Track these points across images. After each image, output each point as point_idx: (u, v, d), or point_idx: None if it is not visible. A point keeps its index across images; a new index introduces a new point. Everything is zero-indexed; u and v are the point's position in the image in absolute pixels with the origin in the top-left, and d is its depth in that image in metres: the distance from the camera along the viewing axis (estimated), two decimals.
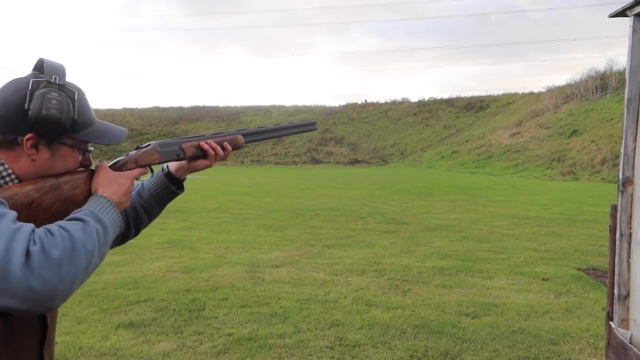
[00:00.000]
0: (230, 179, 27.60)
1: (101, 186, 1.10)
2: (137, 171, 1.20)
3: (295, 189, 19.67)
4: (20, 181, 1.04)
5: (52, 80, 1.04)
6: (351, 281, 5.66)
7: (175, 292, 5.13)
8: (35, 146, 1.03)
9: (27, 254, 0.84)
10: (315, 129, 1.49)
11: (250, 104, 72.92)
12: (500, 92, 64.35)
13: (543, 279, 5.76)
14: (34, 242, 0.86)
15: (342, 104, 71.78)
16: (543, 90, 55.78)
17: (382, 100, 70.29)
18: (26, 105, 1.01)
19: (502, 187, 21.20)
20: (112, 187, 1.11)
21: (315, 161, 54.47)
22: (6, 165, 1.03)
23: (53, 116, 1.01)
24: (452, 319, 4.42)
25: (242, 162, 54.97)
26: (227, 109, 71.12)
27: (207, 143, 1.30)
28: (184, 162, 1.32)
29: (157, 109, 72.41)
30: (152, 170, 1.29)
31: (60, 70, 1.06)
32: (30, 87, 1.02)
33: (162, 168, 1.37)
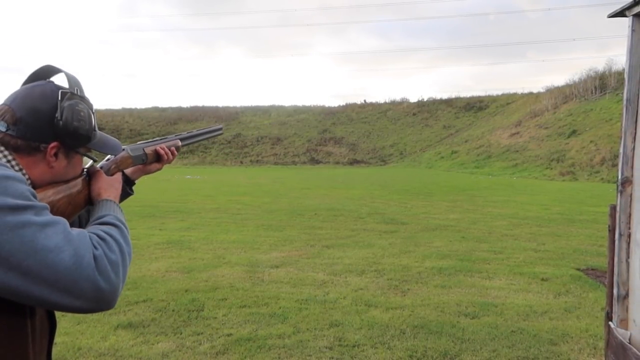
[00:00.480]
0: (229, 179, 27.60)
1: (104, 190, 1.17)
2: (119, 175, 1.29)
3: (294, 189, 19.67)
4: (34, 187, 1.04)
5: (75, 92, 1.08)
6: (350, 281, 5.66)
7: (174, 293, 5.13)
8: (56, 154, 1.07)
9: (94, 258, 0.91)
10: (221, 134, 1.67)
11: (250, 104, 72.89)
12: (499, 92, 64.42)
13: (542, 279, 5.77)
14: (96, 247, 0.93)
15: (341, 104, 71.84)
16: (542, 90, 55.85)
17: (381, 101, 70.33)
18: (58, 116, 1.04)
19: (501, 187, 21.21)
20: (113, 191, 1.19)
21: (314, 161, 54.46)
22: (24, 171, 1.04)
23: (83, 128, 1.07)
24: (451, 319, 4.42)
25: (242, 162, 54.97)
26: (226, 109, 71.12)
27: (162, 147, 1.41)
28: (141, 166, 1.41)
29: (156, 109, 72.40)
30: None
31: (79, 83, 1.12)
32: (60, 98, 1.05)
33: None
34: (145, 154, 1.37)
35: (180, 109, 72.65)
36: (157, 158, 1.41)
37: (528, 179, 29.31)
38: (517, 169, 34.46)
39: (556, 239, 8.35)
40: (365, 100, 71.46)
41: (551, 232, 9.09)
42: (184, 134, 1.53)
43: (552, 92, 50.81)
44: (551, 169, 31.70)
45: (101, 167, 1.26)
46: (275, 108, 71.04)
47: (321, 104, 72.68)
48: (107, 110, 65.11)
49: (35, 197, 0.95)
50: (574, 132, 36.80)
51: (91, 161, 1.23)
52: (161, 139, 1.43)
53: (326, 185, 21.96)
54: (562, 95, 47.11)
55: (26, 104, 1.03)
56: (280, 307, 4.69)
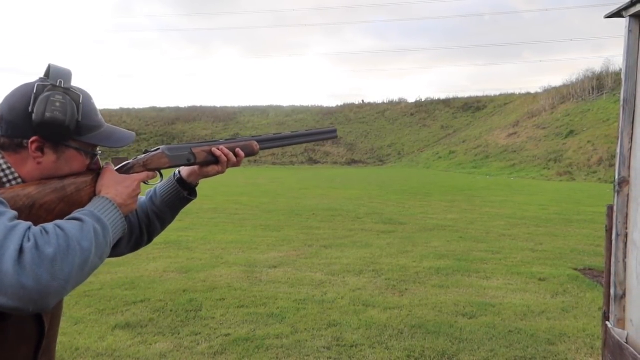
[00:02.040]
0: (227, 179, 27.57)
1: (105, 187, 1.10)
2: (144, 174, 1.19)
3: (292, 189, 19.67)
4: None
5: (58, 84, 1.04)
6: (348, 281, 5.67)
7: (172, 293, 5.13)
8: (40, 149, 1.04)
9: (21, 250, 0.84)
10: (335, 137, 1.44)
11: (248, 104, 72.88)
12: (495, 93, 64.60)
13: (540, 279, 5.78)
14: (28, 239, 0.86)
15: (339, 104, 71.84)
16: (540, 90, 55.94)
17: (378, 101, 70.38)
18: (30, 108, 1.01)
19: (499, 188, 21.24)
20: (117, 188, 1.10)
21: (312, 161, 54.47)
22: (13, 169, 1.03)
23: (57, 119, 1.02)
24: (449, 319, 4.43)
25: None
26: (224, 109, 71.08)
27: (219, 149, 1.28)
28: (195, 168, 1.30)
29: (154, 109, 72.31)
30: (161, 175, 1.28)
31: (65, 74, 1.07)
32: (35, 91, 1.03)
33: (174, 173, 1.35)
34: (193, 154, 1.24)
35: (178, 109, 72.58)
36: (215, 159, 1.28)
37: (526, 179, 29.36)
38: (514, 169, 34.51)
39: (554, 239, 8.36)
40: (363, 101, 71.50)
41: (549, 232, 9.11)
42: (267, 136, 1.36)
43: (549, 92, 50.91)
44: (549, 169, 31.75)
45: (125, 165, 1.19)
46: (274, 108, 71.02)
47: (319, 104, 72.67)
48: (104, 110, 64.96)
49: None
50: (571, 132, 36.88)
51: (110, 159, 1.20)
52: (225, 140, 1.31)
53: (324, 186, 21.96)
54: (560, 95, 47.20)
55: (7, 102, 1.04)
56: (278, 307, 4.69)
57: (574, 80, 47.89)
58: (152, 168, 1.22)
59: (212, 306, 4.72)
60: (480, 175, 33.04)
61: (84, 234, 0.93)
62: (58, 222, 0.94)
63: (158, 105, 73.74)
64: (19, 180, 1.04)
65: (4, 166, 1.03)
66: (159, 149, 1.22)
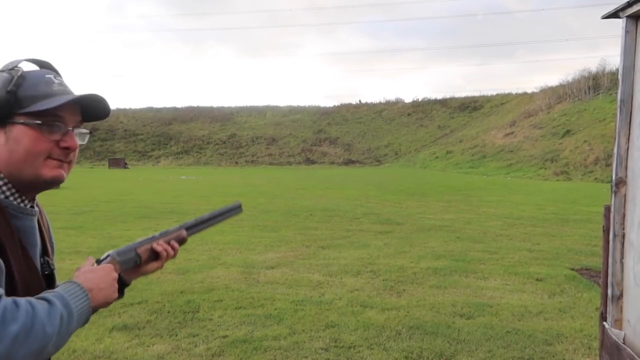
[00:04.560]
0: (224, 180, 27.56)
1: (76, 274, 1.03)
2: (116, 265, 1.10)
3: (289, 190, 19.67)
4: (7, 172, 0.99)
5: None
6: (346, 282, 5.66)
7: (169, 294, 5.11)
8: None
9: None
10: (241, 211, 1.42)
11: (245, 105, 72.86)
12: (491, 92, 64.81)
13: (537, 279, 5.79)
14: None
15: (336, 104, 71.86)
16: (536, 90, 56.08)
17: (374, 101, 70.47)
18: None
19: (495, 187, 21.28)
20: (87, 275, 1.02)
21: (309, 161, 54.47)
22: None
23: None
24: (446, 319, 4.43)
25: (237, 162, 54.91)
26: (221, 109, 71.03)
27: (159, 244, 1.21)
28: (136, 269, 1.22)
29: (150, 109, 72.20)
30: None
31: (14, 60, 1.02)
32: None
33: None
34: (138, 255, 1.18)
35: (175, 109, 72.50)
36: (155, 256, 1.22)
37: (522, 178, 29.43)
38: (511, 168, 34.59)
39: (550, 239, 8.38)
40: (360, 101, 71.54)
41: (545, 232, 9.13)
42: (191, 222, 1.32)
43: (545, 92, 51.05)
44: (545, 168, 31.84)
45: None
46: (271, 108, 71.01)
47: (315, 104, 72.68)
48: None
49: None
50: (567, 132, 36.99)
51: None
52: (160, 234, 1.24)
53: (321, 186, 21.97)
54: (556, 95, 47.34)
55: None
56: (275, 309, 4.68)
57: (570, 80, 48.06)
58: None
59: (209, 307, 4.71)
60: (477, 175, 33.11)
61: (50, 319, 0.87)
62: (32, 299, 0.89)
63: (155, 106, 73.63)
64: None
65: None
66: (108, 255, 1.14)
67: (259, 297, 5.06)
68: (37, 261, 1.05)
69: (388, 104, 69.54)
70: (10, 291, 0.93)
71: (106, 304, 1.03)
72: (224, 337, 3.98)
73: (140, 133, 63.24)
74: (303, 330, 4.13)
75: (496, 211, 12.29)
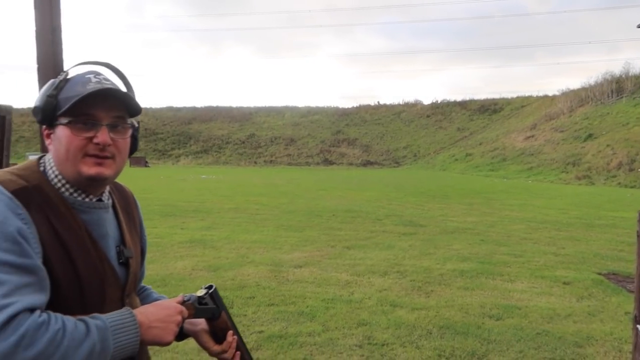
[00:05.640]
0: (244, 179, 27.79)
1: (143, 309, 1.03)
2: (183, 308, 1.09)
3: (310, 190, 19.79)
4: (60, 172, 1.06)
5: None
6: (374, 282, 5.76)
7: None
8: (48, 136, 1.07)
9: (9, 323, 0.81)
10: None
11: (263, 105, 73.23)
12: (509, 95, 64.23)
13: (564, 283, 5.82)
14: (14, 330, 0.82)
15: (354, 105, 71.84)
16: (557, 93, 55.42)
17: (392, 102, 70.32)
18: None
19: (517, 191, 21.14)
20: (148, 308, 1.03)
21: (327, 162, 54.56)
22: (52, 163, 1.06)
23: (34, 105, 1.06)
24: (476, 320, 4.50)
25: (255, 162, 55.24)
26: (240, 109, 71.54)
27: (233, 337, 1.21)
28: (204, 326, 1.21)
29: (170, 109, 73.04)
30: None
31: (78, 64, 1.10)
32: None
33: None
34: (220, 312, 1.19)
35: (194, 109, 73.21)
36: (222, 337, 1.20)
37: (543, 182, 29.15)
38: (532, 172, 34.26)
39: (576, 243, 8.36)
40: (378, 102, 71.42)
41: (570, 236, 9.11)
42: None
43: (567, 95, 50.43)
44: (567, 172, 31.48)
45: None
46: (289, 109, 71.28)
47: (333, 105, 72.78)
48: None
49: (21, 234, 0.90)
50: (590, 135, 36.51)
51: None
52: (243, 345, 1.25)
53: (341, 187, 22.06)
54: (578, 98, 46.76)
55: None
56: (307, 306, 4.80)
57: (593, 83, 47.44)
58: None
59: (243, 304, 4.84)
60: (497, 178, 32.88)
61: (78, 350, 0.87)
62: (70, 320, 0.90)
63: (175, 105, 74.44)
64: (60, 176, 1.05)
65: (51, 161, 1.07)
66: (188, 298, 1.13)
67: (289, 294, 5.18)
68: (111, 251, 1.10)
69: (407, 105, 69.34)
70: (75, 281, 1.00)
71: (157, 343, 1.02)
72: (259, 332, 4.10)
73: (160, 132, 64.03)
74: (336, 328, 4.24)
75: (519, 214, 12.26)
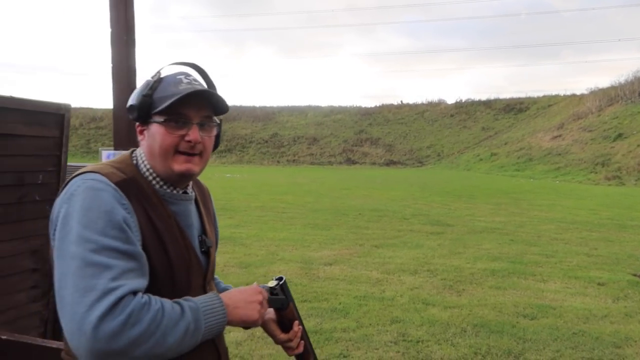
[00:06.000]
0: (268, 178, 27.97)
1: (226, 292, 1.11)
2: (264, 291, 1.17)
3: (334, 189, 19.82)
4: (152, 166, 1.12)
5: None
6: (404, 280, 5.77)
7: (236, 286, 5.34)
8: (141, 132, 1.13)
9: (102, 319, 0.85)
10: None
11: (286, 104, 73.51)
12: (536, 94, 63.13)
13: (598, 284, 5.73)
14: (122, 311, 0.87)
15: (377, 105, 71.58)
16: (585, 92, 54.31)
17: (415, 101, 69.78)
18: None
19: (544, 191, 20.82)
20: (233, 293, 1.10)
21: (350, 162, 54.51)
22: (144, 157, 1.13)
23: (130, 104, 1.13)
24: (510, 319, 4.48)
25: (278, 161, 55.53)
26: (263, 109, 71.90)
27: (299, 327, 1.28)
28: (272, 315, 1.29)
29: None
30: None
31: (167, 65, 1.16)
32: None
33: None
34: (288, 303, 1.27)
35: None
36: (288, 326, 1.28)
37: (572, 182, 28.62)
38: (559, 172, 33.68)
39: (609, 244, 8.22)
40: (401, 101, 71.04)
41: (602, 237, 8.95)
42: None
43: (596, 94, 49.35)
44: (596, 173, 30.85)
45: None
46: (312, 108, 71.38)
47: (356, 105, 72.64)
48: None
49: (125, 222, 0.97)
50: (619, 135, 35.69)
51: None
52: (307, 337, 1.32)
53: (365, 186, 22.03)
54: (607, 97, 45.70)
55: None
56: (340, 303, 4.84)
57: (623, 82, 46.33)
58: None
59: None
60: (523, 178, 32.42)
61: (175, 329, 0.93)
62: (167, 302, 0.95)
63: None
64: (152, 170, 1.12)
65: (143, 156, 1.14)
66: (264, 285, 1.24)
67: (321, 291, 5.23)
68: (195, 240, 1.17)
69: (430, 104, 68.72)
70: (168, 268, 1.07)
71: (244, 322, 1.08)
72: None
73: None
74: (370, 324, 4.28)
75: (548, 215, 12.08)
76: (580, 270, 6.39)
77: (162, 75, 1.13)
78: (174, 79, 1.12)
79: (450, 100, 68.48)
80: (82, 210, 0.95)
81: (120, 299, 0.88)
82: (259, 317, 1.11)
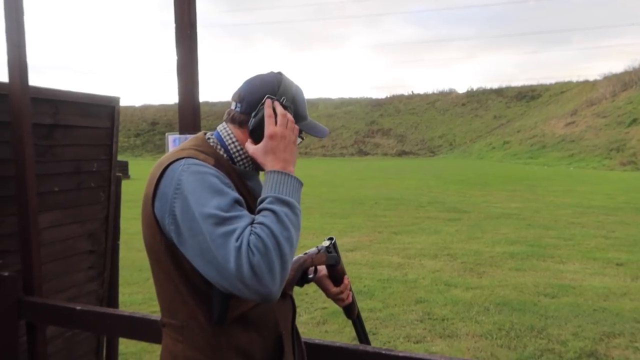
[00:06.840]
0: None
1: (268, 160, 1.16)
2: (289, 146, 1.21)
3: (349, 180, 19.97)
4: (243, 147, 1.26)
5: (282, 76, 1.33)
6: (425, 264, 5.92)
7: None
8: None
9: (251, 266, 0.94)
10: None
11: None
12: (548, 81, 62.43)
13: (617, 264, 5.84)
14: (253, 253, 0.95)
15: (388, 96, 71.40)
16: (599, 78, 53.70)
17: (425, 91, 69.45)
18: (268, 95, 1.27)
19: (559, 177, 20.78)
20: (274, 158, 1.15)
21: (362, 153, 54.58)
22: (240, 146, 1.25)
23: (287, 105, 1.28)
24: (531, 298, 4.62)
25: None
26: None
27: (348, 280, 1.44)
28: (324, 272, 1.45)
29: (206, 103, 74.07)
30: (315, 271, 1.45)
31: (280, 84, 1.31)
32: (277, 82, 1.30)
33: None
34: (339, 260, 1.43)
35: (230, 103, 74.03)
36: (340, 280, 1.44)
37: (586, 169, 28.48)
38: (573, 159, 33.49)
39: (626, 227, 8.29)
40: (412, 92, 70.80)
41: (619, 220, 9.01)
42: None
43: (609, 79, 48.79)
44: (610, 158, 30.64)
45: (299, 259, 1.37)
46: (323, 100, 71.38)
47: (366, 96, 72.48)
48: (160, 105, 67.17)
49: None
50: (634, 120, 35.35)
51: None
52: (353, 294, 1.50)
53: (379, 176, 22.14)
54: (621, 82, 45.17)
55: (249, 87, 1.30)
56: (365, 286, 5.01)
57: (637, 67, 45.75)
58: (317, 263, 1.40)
59: None
60: (537, 165, 32.28)
61: (282, 227, 1.00)
62: (263, 220, 1.01)
63: (210, 100, 75.50)
64: (242, 151, 1.25)
65: (234, 138, 1.27)
66: (320, 248, 1.41)
67: None
68: None
69: (441, 94, 68.35)
70: None
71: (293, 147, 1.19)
72: (323, 308, 4.34)
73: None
74: (395, 305, 4.44)
75: (564, 200, 12.12)
76: (598, 251, 6.49)
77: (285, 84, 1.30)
78: (301, 96, 1.33)
79: (461, 89, 67.98)
80: (197, 192, 1.06)
81: (247, 245, 0.97)
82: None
